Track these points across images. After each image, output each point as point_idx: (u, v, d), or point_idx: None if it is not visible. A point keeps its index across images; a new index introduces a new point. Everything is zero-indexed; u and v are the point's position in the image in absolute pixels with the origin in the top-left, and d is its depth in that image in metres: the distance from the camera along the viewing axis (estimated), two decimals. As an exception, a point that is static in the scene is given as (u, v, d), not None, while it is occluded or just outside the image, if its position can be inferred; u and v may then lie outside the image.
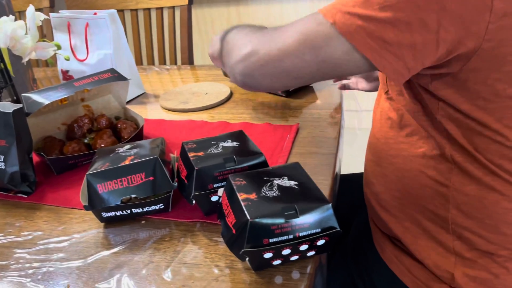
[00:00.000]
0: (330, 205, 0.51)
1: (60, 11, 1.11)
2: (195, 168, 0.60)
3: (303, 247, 0.51)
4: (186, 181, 0.62)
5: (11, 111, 0.70)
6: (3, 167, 0.72)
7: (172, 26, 1.42)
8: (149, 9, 1.43)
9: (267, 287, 0.51)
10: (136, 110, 0.94)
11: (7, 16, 0.95)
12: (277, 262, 0.52)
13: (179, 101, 1.05)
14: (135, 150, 0.66)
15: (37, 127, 0.84)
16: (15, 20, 0.94)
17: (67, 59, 1.02)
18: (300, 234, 0.50)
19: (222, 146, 0.66)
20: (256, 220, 0.49)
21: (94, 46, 1.06)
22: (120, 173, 0.61)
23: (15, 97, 0.90)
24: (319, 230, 0.50)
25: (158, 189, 0.62)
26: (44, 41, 0.97)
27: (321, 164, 0.74)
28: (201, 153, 0.64)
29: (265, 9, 2.32)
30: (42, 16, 0.95)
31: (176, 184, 0.63)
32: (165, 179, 0.62)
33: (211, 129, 0.91)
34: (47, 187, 0.76)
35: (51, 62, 1.00)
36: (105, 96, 0.92)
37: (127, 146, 0.69)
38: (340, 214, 0.53)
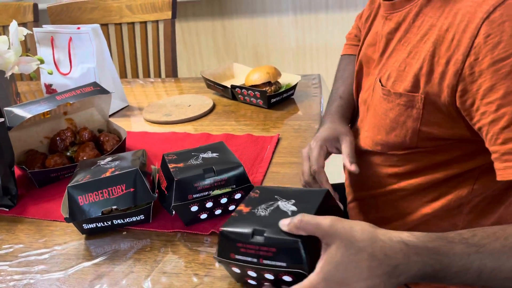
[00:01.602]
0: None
1: (43, 25, 1.13)
2: (175, 179, 0.61)
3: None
4: (166, 192, 0.64)
5: (-8, 125, 0.71)
6: (-15, 181, 0.73)
7: (156, 39, 1.44)
8: (133, 23, 1.45)
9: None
10: (119, 123, 0.95)
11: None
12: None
13: (162, 113, 1.07)
14: (116, 163, 0.67)
15: (19, 141, 0.84)
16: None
17: (50, 73, 1.03)
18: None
19: (202, 157, 0.67)
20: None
21: (77, 60, 1.08)
22: (101, 185, 0.62)
23: (-3, 112, 0.91)
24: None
25: (139, 200, 0.63)
26: (27, 55, 0.98)
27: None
28: (181, 164, 0.65)
29: (249, 22, 2.36)
30: (25, 31, 0.96)
31: (156, 195, 0.65)
32: (146, 190, 0.64)
33: (194, 140, 0.93)
34: (29, 200, 0.76)
35: (34, 76, 1.01)
36: (88, 109, 0.93)
37: (109, 159, 0.70)
38: None
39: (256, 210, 0.51)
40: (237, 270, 0.50)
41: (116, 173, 0.63)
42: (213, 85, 1.16)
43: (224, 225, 0.50)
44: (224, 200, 0.64)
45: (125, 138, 0.87)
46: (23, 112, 0.78)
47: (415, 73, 0.57)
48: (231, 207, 0.65)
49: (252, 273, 0.49)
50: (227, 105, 1.11)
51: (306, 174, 0.70)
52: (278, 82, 1.10)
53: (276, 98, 1.06)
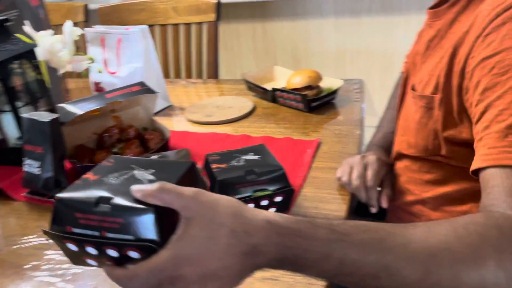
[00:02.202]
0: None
1: (94, 26, 1.17)
2: (218, 179, 0.63)
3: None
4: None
5: (48, 120, 0.75)
6: (39, 173, 0.77)
7: (199, 41, 1.47)
8: (177, 24, 1.48)
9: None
10: (162, 121, 0.97)
11: (44, 30, 1.01)
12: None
13: (204, 114, 1.09)
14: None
15: (70, 136, 0.88)
16: (54, 34, 1.00)
17: (100, 72, 1.08)
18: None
19: (244, 159, 0.68)
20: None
21: (125, 59, 1.12)
22: (147, 182, 0.64)
23: (50, 107, 0.95)
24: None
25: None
26: (79, 54, 1.02)
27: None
28: (223, 165, 0.67)
29: (289, 24, 2.36)
30: (78, 31, 1.01)
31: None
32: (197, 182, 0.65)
33: (234, 142, 0.94)
34: (78, 193, 0.80)
35: (84, 74, 1.06)
36: (134, 108, 0.97)
37: (154, 157, 0.73)
38: None
39: (107, 178, 0.43)
40: (73, 248, 0.41)
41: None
42: (254, 88, 1.17)
43: (62, 192, 0.41)
44: (265, 202, 0.64)
45: (168, 137, 0.90)
46: (74, 109, 0.82)
47: (438, 75, 0.58)
48: (272, 210, 0.66)
49: (92, 250, 0.40)
50: (267, 107, 1.12)
51: (356, 178, 0.70)
52: (319, 86, 1.09)
53: (317, 102, 1.05)
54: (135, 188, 0.39)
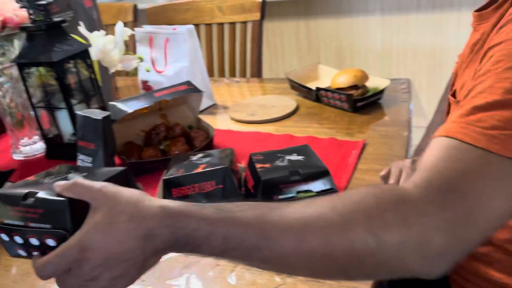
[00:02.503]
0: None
1: (143, 26, 1.21)
2: (262, 179, 0.63)
3: None
4: (252, 191, 0.66)
5: (100, 118, 0.78)
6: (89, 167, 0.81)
7: (243, 40, 1.48)
8: (222, 23, 1.50)
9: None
10: (207, 120, 0.99)
11: (97, 30, 1.05)
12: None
13: (247, 113, 1.10)
14: (207, 159, 0.71)
15: (119, 133, 0.92)
16: (105, 34, 1.04)
17: (148, 71, 1.11)
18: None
19: (288, 159, 0.68)
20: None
21: (172, 59, 1.14)
22: (193, 180, 0.66)
23: (102, 104, 1.00)
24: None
25: (227, 197, 0.66)
26: (128, 53, 1.06)
27: (386, 182, 0.74)
28: (267, 165, 0.67)
29: (334, 22, 2.33)
30: (129, 31, 1.05)
31: (243, 193, 0.67)
32: (234, 187, 0.66)
33: (277, 141, 0.94)
34: (126, 188, 0.83)
35: (132, 73, 1.09)
36: (180, 106, 0.99)
37: (200, 155, 0.74)
38: None
39: (43, 179, 0.49)
40: (5, 238, 0.46)
41: (208, 169, 0.67)
42: (297, 87, 1.17)
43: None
44: (308, 203, 0.64)
45: (213, 136, 0.91)
46: (125, 107, 0.85)
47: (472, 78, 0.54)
48: (315, 211, 0.66)
49: (18, 239, 0.45)
50: (310, 107, 1.11)
51: (404, 182, 0.68)
52: (365, 85, 1.07)
53: (363, 102, 1.03)
54: (56, 183, 0.45)
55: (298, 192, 0.63)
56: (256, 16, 1.42)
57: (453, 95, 0.64)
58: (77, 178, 0.45)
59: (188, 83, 0.93)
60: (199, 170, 0.67)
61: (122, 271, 0.42)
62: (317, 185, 0.64)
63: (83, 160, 0.82)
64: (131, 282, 0.43)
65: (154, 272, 0.61)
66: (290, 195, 0.63)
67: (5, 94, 0.96)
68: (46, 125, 0.98)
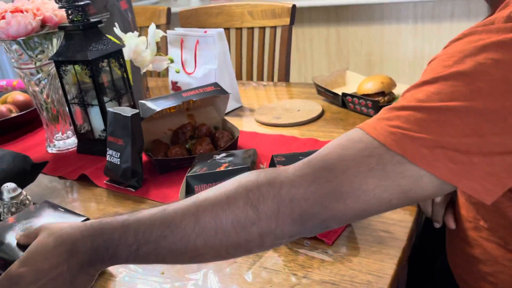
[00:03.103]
0: None
1: (175, 28, 1.25)
2: (282, 180, 0.64)
3: None
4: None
5: (129, 115, 0.81)
6: (118, 163, 0.84)
7: (272, 44, 1.49)
8: (252, 28, 1.52)
9: (341, 301, 0.53)
10: (232, 121, 1.01)
11: (132, 31, 1.09)
12: None
13: (272, 116, 1.11)
14: (230, 158, 0.73)
15: (148, 131, 0.95)
16: (139, 36, 1.08)
17: (178, 72, 1.14)
18: None
19: (310, 162, 0.69)
20: None
21: (201, 61, 1.17)
22: (215, 178, 0.68)
23: (132, 103, 1.03)
24: None
25: (247, 196, 0.67)
26: (160, 55, 1.09)
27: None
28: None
29: (365, 29, 2.32)
30: (161, 33, 1.08)
31: (263, 193, 0.68)
32: (254, 187, 0.67)
33: (300, 145, 0.95)
34: (151, 184, 0.86)
35: (163, 74, 1.13)
36: (207, 107, 1.01)
37: (223, 154, 0.76)
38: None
39: (16, 223, 0.61)
40: None
41: (230, 168, 0.68)
42: (324, 92, 1.17)
43: None
44: (327, 207, 0.64)
45: (237, 137, 0.93)
46: (153, 105, 0.88)
47: None
48: (334, 214, 0.66)
49: None
50: (336, 112, 1.12)
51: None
52: (392, 92, 1.07)
53: (388, 109, 1.03)
54: (17, 236, 0.56)
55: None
56: (286, 21, 1.43)
57: None
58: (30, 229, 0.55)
59: (215, 84, 0.95)
60: (222, 168, 0.69)
61: None
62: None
63: (111, 155, 0.85)
64: None
65: (174, 266, 0.63)
66: (310, 197, 0.64)
67: (43, 90, 1.00)
68: (79, 121, 1.02)
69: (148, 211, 0.48)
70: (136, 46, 1.04)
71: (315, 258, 0.61)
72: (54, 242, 0.48)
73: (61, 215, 0.63)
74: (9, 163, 0.81)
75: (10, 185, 0.74)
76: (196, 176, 0.68)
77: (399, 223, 0.66)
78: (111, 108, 0.87)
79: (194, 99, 0.90)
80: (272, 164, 0.71)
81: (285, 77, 1.49)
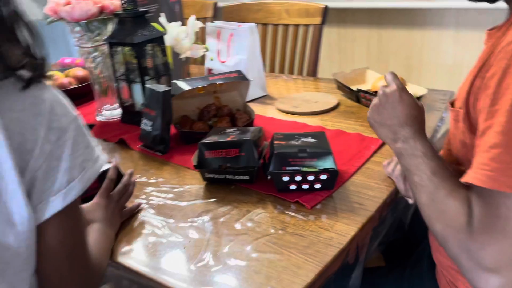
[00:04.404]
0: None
1: (215, 21, 1.40)
2: (275, 152, 0.77)
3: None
4: (267, 161, 0.80)
5: (162, 90, 0.97)
6: (150, 131, 1.00)
7: (304, 41, 1.61)
8: (287, 25, 1.65)
9: (303, 248, 0.65)
10: (256, 107, 1.14)
11: (177, 20, 1.25)
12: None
13: (291, 105, 1.23)
14: (237, 132, 0.86)
15: (179, 107, 1.10)
16: (181, 25, 1.24)
17: (212, 59, 1.29)
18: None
19: (302, 140, 0.81)
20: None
21: (233, 51, 1.31)
22: (222, 146, 0.82)
23: (169, 83, 1.19)
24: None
25: (246, 163, 0.81)
26: (197, 44, 1.25)
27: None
28: (284, 142, 0.80)
29: (406, 33, 2.36)
30: (200, 24, 1.23)
31: (261, 162, 0.81)
32: (253, 157, 0.81)
33: (309, 131, 1.06)
34: (176, 151, 1.01)
35: (199, 61, 1.28)
36: (232, 92, 1.15)
37: (234, 129, 0.90)
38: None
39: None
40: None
41: (234, 139, 0.82)
42: (342, 87, 1.28)
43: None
44: (311, 178, 0.76)
45: (253, 118, 1.06)
46: (183, 85, 1.03)
47: (465, 90, 0.61)
48: (317, 185, 0.78)
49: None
50: (350, 106, 1.22)
51: (398, 168, 0.81)
52: (402, 92, 1.15)
53: (396, 106, 1.12)
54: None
55: (303, 166, 0.76)
56: (318, 20, 1.54)
57: (452, 104, 0.71)
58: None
59: (239, 72, 1.09)
60: (228, 139, 0.82)
61: None
62: (320, 163, 0.76)
63: (145, 124, 1.02)
64: None
65: (180, 211, 0.77)
66: (296, 168, 0.76)
67: (97, 66, 1.19)
68: (125, 95, 1.20)
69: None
70: (177, 35, 1.19)
71: (294, 217, 0.73)
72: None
73: None
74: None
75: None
76: (207, 144, 0.83)
77: (373, 198, 0.77)
78: (149, 85, 1.04)
79: (218, 83, 1.05)
80: (272, 139, 0.84)
81: (313, 72, 1.60)
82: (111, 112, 1.25)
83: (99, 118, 1.25)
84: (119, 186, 0.78)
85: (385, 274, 0.87)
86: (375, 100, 0.74)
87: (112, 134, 1.13)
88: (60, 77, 1.46)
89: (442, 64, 2.31)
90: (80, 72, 1.48)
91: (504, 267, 0.50)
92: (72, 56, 1.84)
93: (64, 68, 1.70)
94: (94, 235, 0.66)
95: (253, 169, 0.81)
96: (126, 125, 1.19)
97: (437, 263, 0.76)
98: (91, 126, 1.05)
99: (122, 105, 1.21)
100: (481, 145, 0.53)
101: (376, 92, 1.15)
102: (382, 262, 0.99)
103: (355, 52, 2.60)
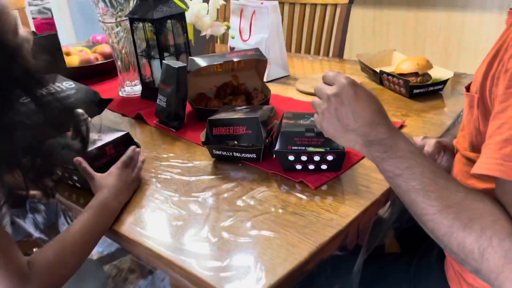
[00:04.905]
0: None
1: (239, -1, 1.38)
2: (281, 131, 0.75)
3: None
4: (274, 140, 0.78)
5: (176, 66, 0.97)
6: (165, 106, 1.01)
7: (331, 21, 1.56)
8: (315, 4, 1.60)
9: (300, 228, 0.64)
10: (276, 87, 1.12)
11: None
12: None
13: (310, 85, 1.20)
14: (247, 110, 0.85)
15: (196, 85, 1.10)
16: (203, 2, 1.23)
17: (233, 37, 1.28)
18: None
19: (311, 119, 0.79)
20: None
21: (256, 30, 1.29)
22: (229, 123, 0.81)
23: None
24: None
25: (253, 141, 0.80)
26: (218, 21, 1.24)
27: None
28: (292, 121, 0.79)
29: (445, 16, 2.24)
30: (221, 1, 1.22)
31: (267, 141, 0.80)
32: (260, 135, 0.80)
33: (326, 112, 1.04)
34: (189, 128, 1.02)
35: (221, 38, 1.27)
36: (250, 70, 1.14)
37: (244, 107, 0.89)
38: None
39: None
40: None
41: (241, 116, 0.81)
42: (365, 69, 1.23)
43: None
44: (317, 158, 0.75)
45: (269, 98, 1.05)
46: (200, 62, 1.03)
47: (480, 75, 0.57)
48: (323, 166, 0.76)
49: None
50: (372, 88, 1.17)
51: None
52: (428, 74, 1.10)
53: (420, 89, 1.07)
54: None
55: (309, 146, 0.74)
56: (345, 0, 1.49)
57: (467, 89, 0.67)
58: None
59: (256, 49, 1.07)
60: (235, 116, 0.82)
61: None
62: (327, 145, 0.74)
63: (160, 99, 1.02)
64: None
65: (184, 186, 0.78)
66: (302, 148, 0.75)
67: (119, 41, 1.21)
68: (145, 72, 1.21)
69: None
70: (198, 12, 1.19)
71: (297, 197, 0.72)
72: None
73: (107, 128, 0.82)
74: (82, 95, 1.01)
75: (79, 111, 0.94)
76: (214, 120, 0.82)
77: (381, 181, 0.74)
78: (166, 60, 1.04)
79: (235, 60, 1.04)
80: (282, 118, 0.82)
81: (339, 53, 1.55)
82: (131, 88, 1.27)
83: (121, 94, 1.27)
84: (123, 158, 0.79)
85: (392, 261, 0.84)
86: (322, 106, 0.62)
87: (131, 109, 1.15)
88: (87, 52, 1.50)
89: (483, 48, 2.18)
90: (107, 48, 1.51)
91: None
92: (101, 34, 1.87)
93: (94, 44, 1.74)
94: (84, 222, 0.68)
95: (259, 148, 0.80)
96: (145, 101, 1.20)
97: (447, 254, 0.73)
98: (110, 100, 1.06)
99: (142, 81, 1.23)
100: (496, 130, 0.49)
101: (399, 74, 1.11)
102: (397, 249, 0.97)
103: (390, 35, 2.50)
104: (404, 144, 0.56)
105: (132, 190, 0.77)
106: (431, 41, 2.35)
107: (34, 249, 1.08)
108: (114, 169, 0.76)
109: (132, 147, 0.80)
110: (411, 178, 0.53)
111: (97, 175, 0.74)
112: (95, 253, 1.25)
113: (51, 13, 1.85)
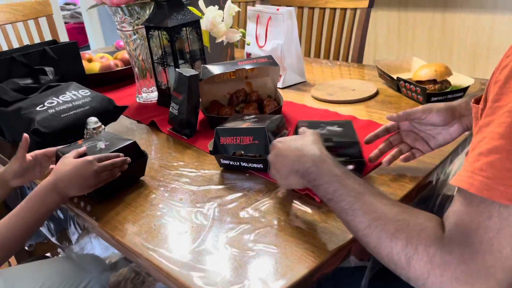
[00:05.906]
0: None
1: (256, 5, 1.37)
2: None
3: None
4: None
5: (188, 75, 0.98)
6: (177, 114, 1.02)
7: (350, 26, 1.53)
8: (334, 8, 1.58)
9: (302, 242, 0.62)
10: (291, 94, 1.11)
11: (220, 5, 1.25)
12: None
13: (326, 92, 1.18)
14: (255, 120, 0.85)
15: (210, 92, 1.11)
16: (218, 9, 1.23)
17: (248, 44, 1.27)
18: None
19: (328, 129, 0.78)
20: None
21: (271, 36, 1.29)
22: (236, 133, 0.81)
23: (203, 67, 1.20)
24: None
25: (259, 151, 0.79)
26: (234, 28, 1.24)
27: (414, 168, 0.78)
28: (302, 132, 0.77)
29: (474, 17, 2.16)
30: (236, 8, 1.22)
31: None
32: (267, 145, 0.79)
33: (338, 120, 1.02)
34: (201, 136, 1.02)
35: (236, 45, 1.27)
36: (263, 77, 1.13)
37: (253, 116, 0.88)
38: None
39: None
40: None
41: (248, 127, 0.80)
42: (383, 75, 1.20)
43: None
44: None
45: (281, 105, 1.04)
46: (212, 69, 1.03)
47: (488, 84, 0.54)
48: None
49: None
50: (389, 95, 1.15)
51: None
52: (447, 81, 1.06)
53: (438, 97, 1.03)
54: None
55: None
56: (365, 4, 1.46)
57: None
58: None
59: (269, 57, 1.06)
60: (243, 126, 0.81)
61: None
62: (346, 154, 0.73)
63: (173, 107, 1.03)
64: None
65: (190, 196, 0.78)
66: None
67: (136, 49, 1.23)
68: (162, 79, 1.22)
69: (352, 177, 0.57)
70: (213, 18, 1.19)
71: (301, 210, 0.71)
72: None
73: (116, 137, 0.82)
74: (97, 103, 1.04)
75: (93, 119, 0.96)
76: (222, 129, 0.82)
77: (407, 184, 0.72)
78: (179, 69, 1.05)
79: (246, 68, 1.03)
80: (296, 127, 0.81)
81: (358, 58, 1.52)
82: (148, 94, 1.28)
83: (138, 100, 1.29)
84: (102, 156, 0.75)
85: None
86: (272, 171, 0.69)
87: (146, 116, 1.16)
88: (108, 59, 1.53)
89: (513, 51, 2.10)
90: (127, 55, 1.53)
91: (484, 283, 0.43)
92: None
93: (118, 50, 1.77)
94: (13, 213, 0.68)
95: (266, 158, 0.79)
96: (161, 108, 1.22)
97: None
98: (124, 108, 1.08)
99: (158, 88, 1.24)
100: (477, 144, 0.47)
101: (417, 81, 1.07)
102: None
103: (416, 38, 2.44)
104: (327, 169, 0.59)
105: (90, 187, 0.73)
106: (458, 44, 2.28)
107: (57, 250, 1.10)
108: (76, 159, 0.74)
109: (122, 158, 0.77)
110: (339, 200, 0.56)
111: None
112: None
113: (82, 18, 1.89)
